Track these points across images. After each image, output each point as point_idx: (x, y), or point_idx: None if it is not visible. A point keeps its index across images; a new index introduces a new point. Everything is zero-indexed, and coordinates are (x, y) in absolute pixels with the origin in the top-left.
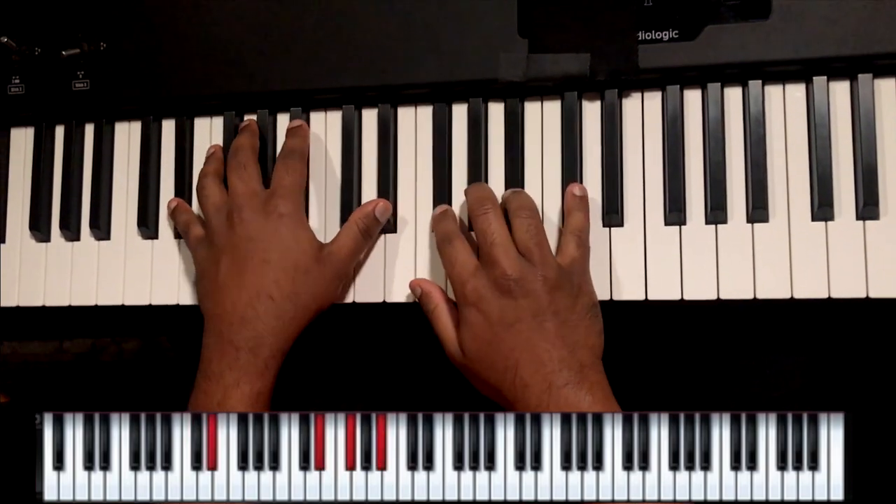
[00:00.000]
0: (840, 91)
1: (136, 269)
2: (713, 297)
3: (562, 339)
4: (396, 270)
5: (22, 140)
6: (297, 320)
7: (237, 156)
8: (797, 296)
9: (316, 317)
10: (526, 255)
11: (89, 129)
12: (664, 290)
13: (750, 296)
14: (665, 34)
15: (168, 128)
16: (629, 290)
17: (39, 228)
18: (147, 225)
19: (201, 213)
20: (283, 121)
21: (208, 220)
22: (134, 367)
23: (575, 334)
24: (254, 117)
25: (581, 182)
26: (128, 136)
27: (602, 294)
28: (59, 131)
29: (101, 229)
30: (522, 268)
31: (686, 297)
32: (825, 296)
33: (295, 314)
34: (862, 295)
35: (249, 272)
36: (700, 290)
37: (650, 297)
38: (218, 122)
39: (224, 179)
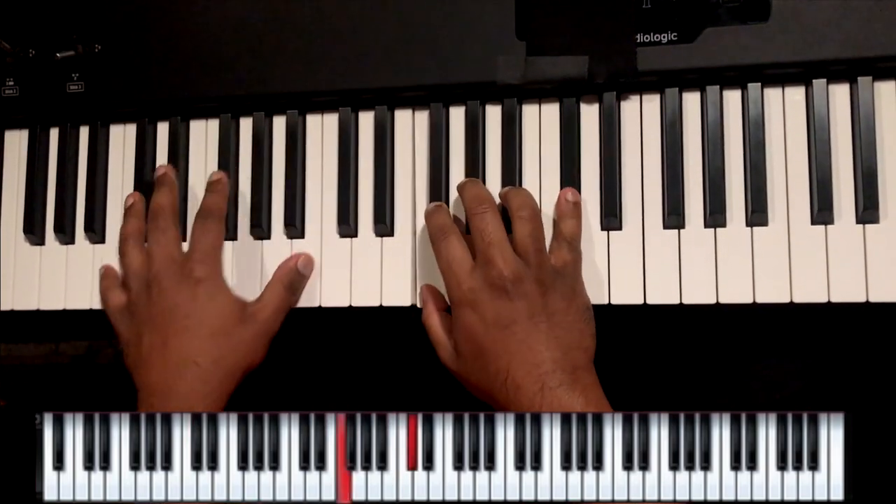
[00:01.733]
0: (840, 94)
1: None
2: (712, 301)
3: (556, 340)
4: (393, 274)
5: (16, 142)
6: (225, 383)
7: (156, 220)
8: (797, 300)
9: (244, 376)
10: (523, 257)
11: (84, 132)
12: (663, 294)
13: (749, 300)
14: (664, 36)
15: (163, 130)
16: (628, 294)
17: (34, 231)
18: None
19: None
20: (279, 123)
21: (129, 287)
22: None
23: (569, 336)
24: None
25: (579, 185)
26: (123, 138)
27: (600, 298)
28: (54, 133)
29: (96, 232)
30: (519, 269)
31: (685, 301)
32: (825, 300)
33: (223, 377)
34: (862, 299)
35: (172, 341)
36: (699, 294)
37: (649, 301)
38: (213, 124)
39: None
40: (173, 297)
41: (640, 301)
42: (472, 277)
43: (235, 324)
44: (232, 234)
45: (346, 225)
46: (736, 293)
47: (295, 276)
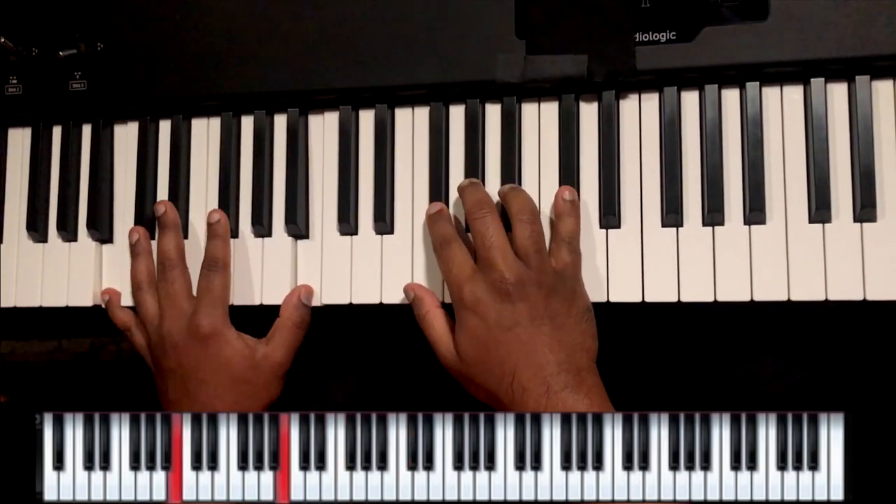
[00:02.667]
0: (838, 93)
1: None
2: (710, 298)
3: (559, 342)
4: (393, 271)
5: (19, 140)
6: None
7: (164, 271)
8: (794, 298)
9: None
10: (524, 259)
11: (87, 130)
12: (661, 291)
13: (747, 298)
14: (662, 35)
15: (165, 128)
16: (626, 292)
17: (37, 229)
18: (144, 225)
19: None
20: (280, 122)
21: (148, 333)
22: (133, 367)
23: (572, 337)
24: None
25: (578, 183)
26: (125, 136)
27: (599, 296)
28: (57, 132)
29: (98, 230)
30: (520, 272)
31: (683, 299)
32: (822, 298)
33: None
34: (859, 297)
35: (192, 392)
36: (697, 292)
37: (647, 299)
38: (215, 122)
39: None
40: (186, 355)
41: (638, 299)
42: (473, 281)
43: (249, 369)
44: (233, 232)
45: (347, 223)
46: (734, 291)
47: (302, 311)
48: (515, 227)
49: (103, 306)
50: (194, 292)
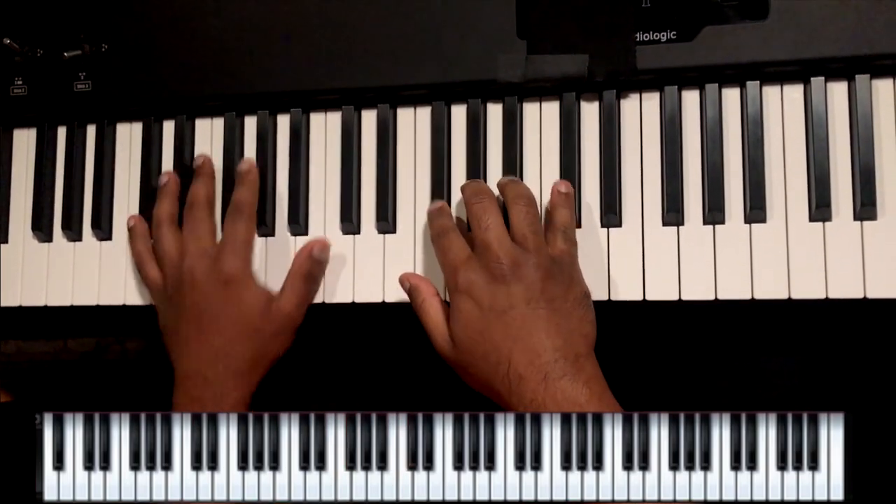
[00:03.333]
0: (838, 91)
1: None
2: (711, 297)
3: (556, 326)
4: (395, 270)
5: (24, 141)
6: (255, 373)
7: (193, 210)
8: (795, 296)
9: (273, 364)
10: (521, 243)
11: (91, 130)
12: (662, 290)
13: (748, 296)
14: (663, 35)
15: (169, 129)
16: (627, 291)
17: (42, 229)
18: (149, 223)
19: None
20: (283, 122)
21: (165, 272)
22: (137, 366)
23: (569, 322)
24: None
25: (579, 182)
26: (129, 136)
27: (600, 294)
28: (61, 132)
29: (103, 230)
30: (516, 254)
31: (684, 298)
32: (823, 296)
33: (252, 368)
34: (860, 295)
35: (206, 334)
36: (698, 290)
37: (648, 298)
38: (219, 122)
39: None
40: (205, 294)
41: (639, 297)
42: (468, 265)
43: (262, 320)
44: None
45: (349, 222)
46: (734, 289)
47: (312, 265)
48: (512, 211)
49: (128, 230)
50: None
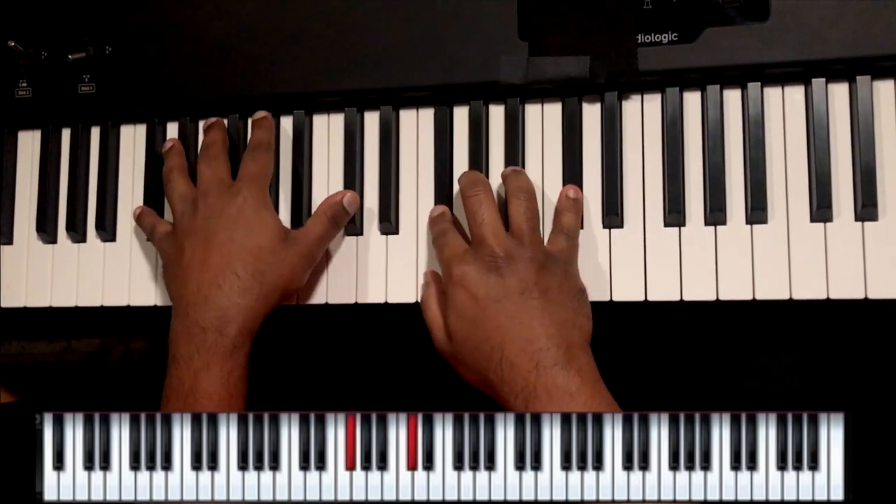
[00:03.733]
0: (839, 93)
1: (142, 270)
2: (712, 298)
3: (550, 316)
4: (398, 271)
5: (29, 143)
6: (264, 299)
7: (209, 149)
8: (796, 297)
9: (282, 299)
10: (517, 235)
11: (95, 132)
12: (663, 291)
13: (749, 297)
14: (664, 36)
15: (172, 130)
16: (629, 291)
17: (46, 230)
18: None
19: (170, 207)
20: (285, 123)
21: (174, 210)
22: (141, 367)
23: (563, 313)
24: (224, 120)
25: (581, 183)
26: (133, 138)
27: (602, 295)
28: (66, 134)
29: (107, 231)
30: (510, 246)
31: (685, 298)
32: (824, 297)
33: (261, 291)
34: (861, 296)
35: (214, 251)
36: (699, 291)
37: (650, 298)
38: None
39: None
40: (219, 209)
41: (641, 298)
42: (463, 258)
43: (279, 242)
44: None
45: (352, 223)
46: (736, 290)
47: (339, 209)
48: (511, 204)
49: (135, 220)
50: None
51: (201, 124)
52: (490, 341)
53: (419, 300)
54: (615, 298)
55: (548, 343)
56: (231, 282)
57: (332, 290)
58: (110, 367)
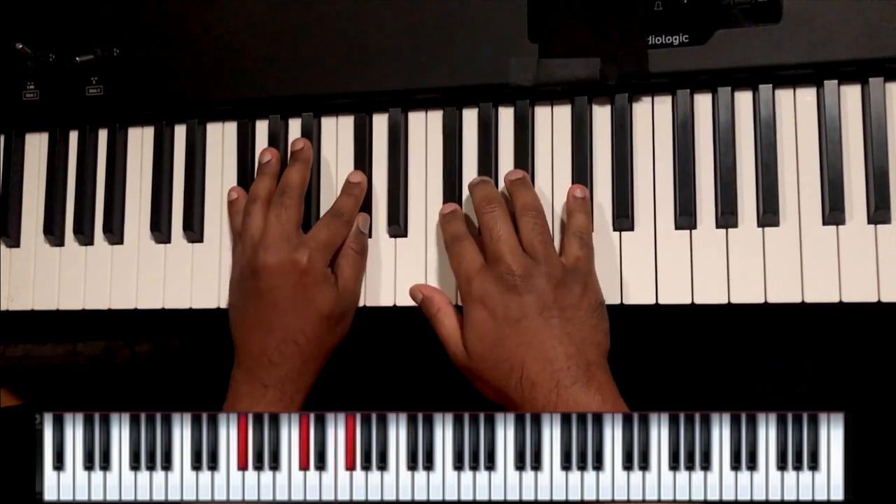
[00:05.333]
0: (851, 95)
1: (149, 273)
2: (724, 301)
3: (569, 336)
4: (407, 274)
5: (36, 145)
6: (320, 359)
7: (283, 195)
8: (808, 300)
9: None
10: (531, 254)
11: (103, 135)
12: (675, 294)
13: (761, 300)
14: (675, 38)
15: (180, 133)
16: (639, 294)
17: (53, 233)
18: (160, 229)
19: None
20: (294, 126)
21: (244, 247)
22: (146, 370)
23: (582, 331)
24: (310, 152)
25: (591, 186)
26: (141, 141)
27: (612, 298)
28: (73, 136)
29: (115, 233)
30: (527, 265)
31: (696, 301)
32: (836, 300)
33: (319, 355)
34: (874, 299)
35: (276, 319)
36: (710, 294)
37: (661, 301)
38: (230, 127)
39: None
40: (279, 279)
41: (652, 301)
42: (481, 275)
43: (336, 306)
44: None
45: None
46: (747, 293)
47: (361, 237)
48: (520, 223)
49: (228, 202)
50: None
51: (209, 127)
52: (510, 360)
53: (427, 318)
54: (626, 302)
55: (568, 363)
56: (292, 350)
57: None
58: (115, 370)
